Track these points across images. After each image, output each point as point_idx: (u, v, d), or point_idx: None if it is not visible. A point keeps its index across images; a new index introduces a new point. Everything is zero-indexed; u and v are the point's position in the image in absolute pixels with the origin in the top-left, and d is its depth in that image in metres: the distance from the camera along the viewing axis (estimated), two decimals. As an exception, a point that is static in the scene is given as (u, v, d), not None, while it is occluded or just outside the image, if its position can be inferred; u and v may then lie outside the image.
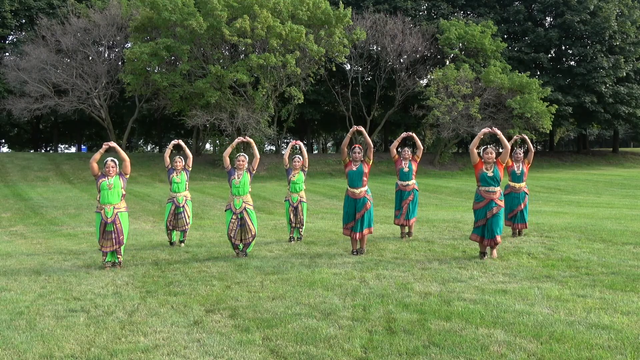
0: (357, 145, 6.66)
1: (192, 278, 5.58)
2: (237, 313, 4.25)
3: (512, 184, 7.77)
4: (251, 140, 7.09)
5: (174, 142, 8.18)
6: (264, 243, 7.99)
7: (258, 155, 6.98)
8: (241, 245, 6.82)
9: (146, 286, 5.27)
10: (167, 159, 7.97)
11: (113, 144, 6.46)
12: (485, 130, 6.22)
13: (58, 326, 4.05)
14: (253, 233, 6.73)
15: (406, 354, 3.34)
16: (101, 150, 6.44)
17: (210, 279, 5.52)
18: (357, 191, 6.56)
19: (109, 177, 6.29)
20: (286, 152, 8.21)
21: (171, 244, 7.95)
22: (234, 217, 6.70)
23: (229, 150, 6.91)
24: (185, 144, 8.22)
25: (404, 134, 8.07)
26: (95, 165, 6.37)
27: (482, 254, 6.19)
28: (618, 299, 4.38)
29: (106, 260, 6.35)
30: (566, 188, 21.32)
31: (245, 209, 6.70)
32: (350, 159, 6.64)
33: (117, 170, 6.38)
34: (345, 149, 6.64)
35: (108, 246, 6.27)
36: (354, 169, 6.57)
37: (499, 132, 6.14)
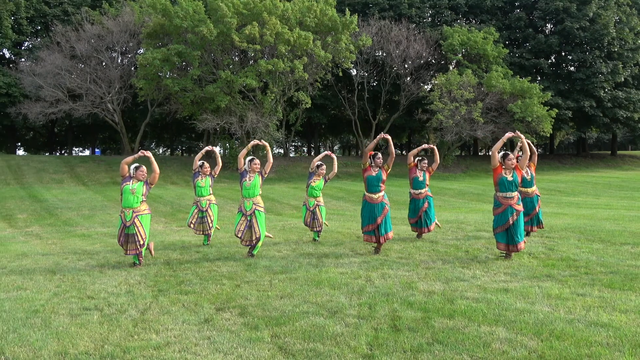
0: (378, 152, 6.76)
1: (202, 277, 5.64)
2: (246, 311, 4.30)
3: (523, 189, 7.78)
4: (266, 144, 7.15)
5: (207, 148, 8.19)
6: (273, 243, 8.08)
7: (271, 160, 7.04)
8: (257, 249, 6.90)
9: (158, 285, 5.33)
10: (197, 162, 8.03)
11: (149, 153, 6.52)
12: (509, 134, 6.24)
13: (72, 324, 4.09)
14: (257, 235, 6.76)
15: (410, 351, 3.37)
16: (135, 156, 6.49)
17: (221, 278, 5.57)
18: (375, 196, 6.65)
19: (134, 182, 6.39)
20: (317, 157, 8.27)
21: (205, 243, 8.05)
22: (243, 218, 6.80)
23: (244, 151, 6.98)
24: (195, 148, 8.31)
25: (425, 146, 8.19)
26: (125, 167, 6.47)
27: (508, 255, 6.19)
28: (616, 298, 4.41)
29: (134, 261, 6.50)
30: (566, 190, 21.26)
31: (254, 211, 6.77)
32: (371, 164, 6.71)
33: (145, 177, 6.48)
34: (369, 155, 6.72)
35: (132, 249, 6.37)
36: (373, 174, 6.65)
37: (522, 136, 6.19)
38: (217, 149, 8.26)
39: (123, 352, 3.49)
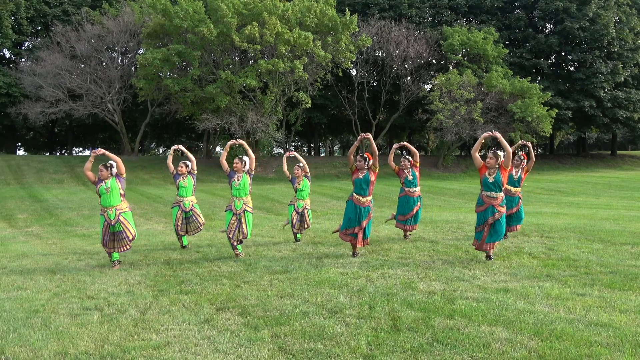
0: (359, 155, 6.63)
1: (202, 277, 5.64)
2: (246, 311, 4.30)
3: (507, 187, 7.78)
4: (243, 142, 7.06)
5: (174, 147, 8.06)
6: (273, 243, 8.09)
7: (253, 156, 6.98)
8: (240, 247, 6.87)
9: (158, 285, 5.34)
10: (171, 165, 7.91)
11: (101, 150, 6.50)
12: (486, 134, 6.15)
13: (72, 324, 4.09)
14: (245, 235, 6.76)
15: (410, 351, 3.37)
16: (91, 159, 6.48)
17: (221, 278, 5.57)
18: (362, 199, 6.52)
19: (105, 181, 6.35)
20: (283, 164, 8.27)
21: (183, 247, 7.85)
22: (234, 217, 6.75)
23: (224, 154, 6.98)
24: (195, 148, 8.20)
25: (395, 145, 8.07)
26: (89, 174, 6.45)
27: (488, 256, 6.18)
28: (616, 298, 4.41)
29: (112, 259, 6.48)
30: (566, 190, 21.29)
31: (244, 210, 6.74)
32: (357, 167, 6.60)
33: (110, 173, 6.39)
34: (352, 157, 6.59)
35: (121, 246, 6.38)
36: (361, 176, 6.52)
37: (499, 135, 6.05)
38: (182, 147, 8.13)
39: (123, 352, 3.49)
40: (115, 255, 6.49)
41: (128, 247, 6.46)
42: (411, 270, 5.70)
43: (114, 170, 6.42)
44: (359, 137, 6.64)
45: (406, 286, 4.97)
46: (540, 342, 3.47)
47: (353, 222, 6.56)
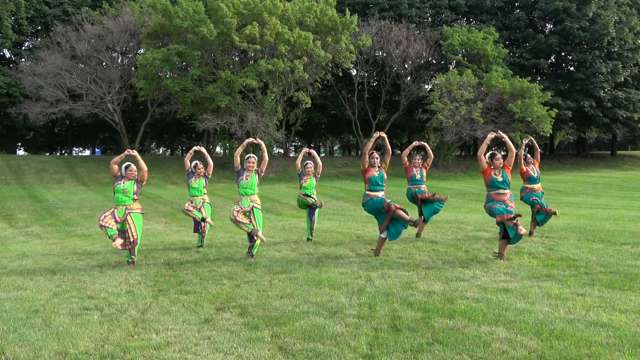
0: (373, 152, 6.68)
1: (202, 277, 5.64)
2: (246, 311, 4.30)
3: (529, 186, 7.80)
4: (262, 143, 7.04)
5: (195, 147, 8.09)
6: (273, 243, 8.09)
7: (267, 158, 6.95)
8: (251, 225, 6.63)
9: (158, 285, 5.34)
10: (188, 163, 7.96)
11: (135, 152, 6.57)
12: (491, 135, 6.19)
13: (73, 324, 4.09)
14: (255, 231, 6.68)
15: (410, 351, 3.37)
16: (122, 155, 6.59)
17: (221, 278, 5.58)
18: (379, 194, 6.56)
19: (125, 181, 6.47)
20: (299, 158, 8.28)
21: (203, 220, 7.73)
22: (238, 207, 6.68)
23: (239, 150, 6.96)
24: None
25: (415, 143, 8.09)
26: (115, 167, 6.60)
27: (501, 255, 6.12)
28: (616, 298, 4.40)
29: (109, 234, 6.31)
30: (566, 190, 21.31)
31: (253, 208, 6.70)
32: (369, 164, 6.64)
33: (135, 176, 6.55)
34: (367, 155, 6.63)
35: (111, 224, 6.34)
36: (376, 174, 6.57)
37: (504, 135, 6.14)
38: (203, 149, 8.14)
39: (123, 352, 3.49)
40: (112, 231, 6.34)
41: (128, 247, 6.46)
42: (411, 270, 5.69)
43: (135, 173, 6.54)
44: (374, 136, 6.74)
45: (406, 286, 4.96)
46: (540, 342, 3.46)
47: (383, 215, 6.51)
